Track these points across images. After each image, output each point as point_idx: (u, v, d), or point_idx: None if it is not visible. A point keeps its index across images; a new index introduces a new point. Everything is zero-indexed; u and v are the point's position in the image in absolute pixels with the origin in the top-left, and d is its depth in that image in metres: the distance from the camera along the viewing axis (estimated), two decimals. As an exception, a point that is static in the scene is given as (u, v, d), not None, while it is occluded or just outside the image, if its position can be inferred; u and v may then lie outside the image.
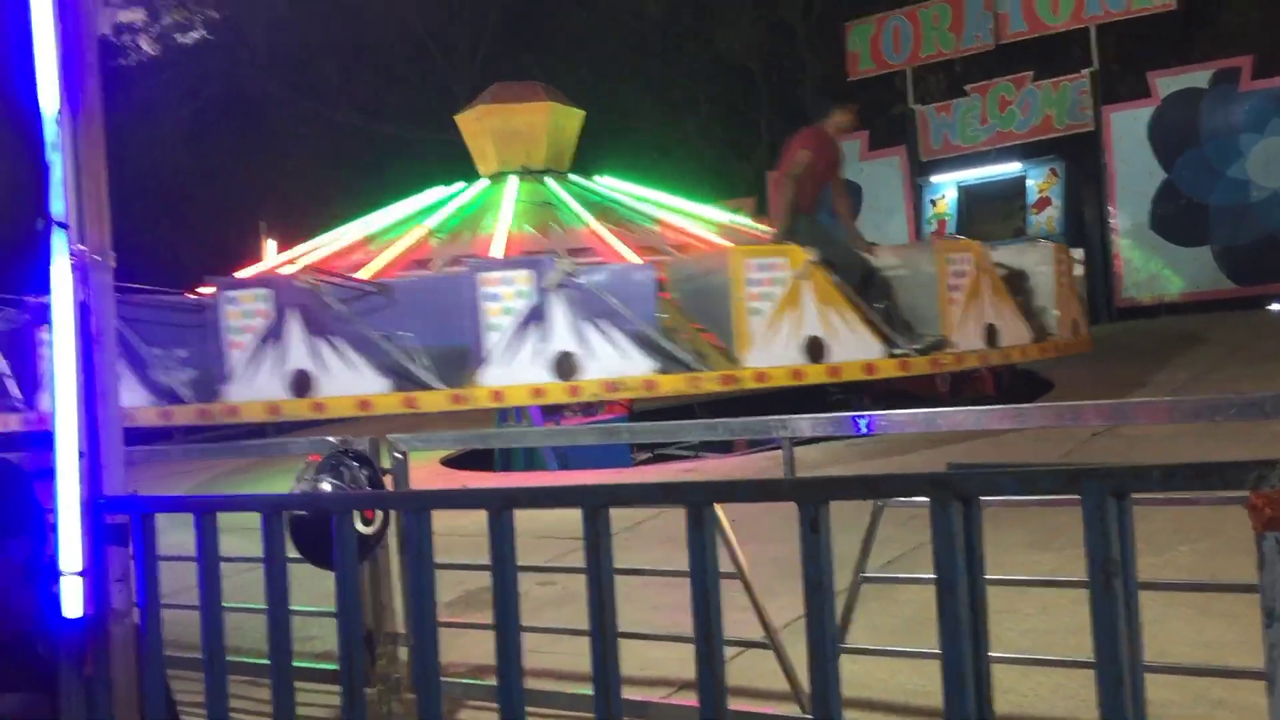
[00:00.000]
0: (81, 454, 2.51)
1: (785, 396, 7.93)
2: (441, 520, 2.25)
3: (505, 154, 10.74)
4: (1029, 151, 15.79)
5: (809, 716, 2.90)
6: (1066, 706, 3.18)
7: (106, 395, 2.54)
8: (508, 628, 2.07)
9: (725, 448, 9.13)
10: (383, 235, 10.22)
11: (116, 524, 2.52)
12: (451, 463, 9.55)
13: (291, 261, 10.14)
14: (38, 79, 2.55)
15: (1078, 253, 10.67)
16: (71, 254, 2.52)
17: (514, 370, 7.34)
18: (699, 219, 10.80)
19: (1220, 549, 4.26)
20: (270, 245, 12.97)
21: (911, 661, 3.38)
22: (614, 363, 7.39)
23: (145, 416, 7.69)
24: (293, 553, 2.60)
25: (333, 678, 3.25)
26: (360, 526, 3.11)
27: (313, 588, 3.16)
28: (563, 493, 2.08)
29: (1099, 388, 9.18)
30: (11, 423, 8.38)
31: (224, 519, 2.46)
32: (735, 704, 2.24)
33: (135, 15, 22.98)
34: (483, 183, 10.78)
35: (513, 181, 10.44)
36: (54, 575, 2.52)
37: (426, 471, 8.67)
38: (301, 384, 7.37)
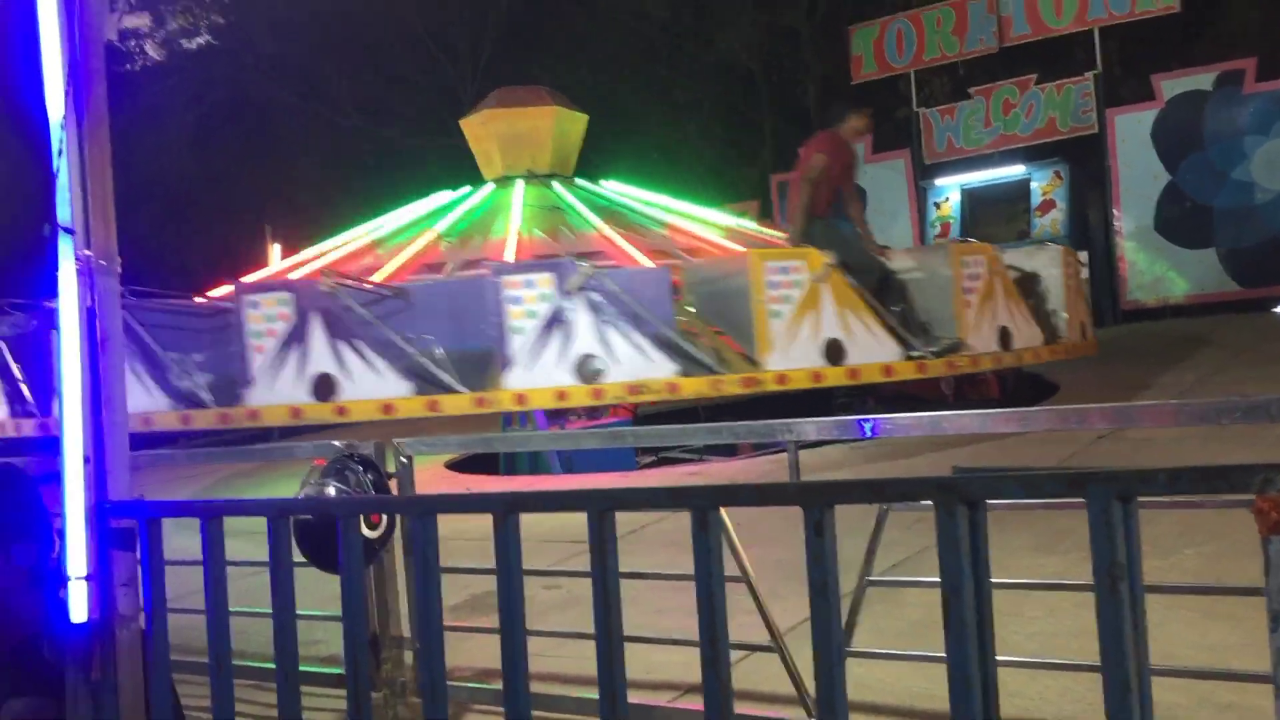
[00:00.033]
0: (87, 459, 2.51)
1: (790, 399, 7.92)
2: (447, 524, 2.25)
3: (510, 158, 10.75)
4: (1033, 154, 15.78)
5: (814, 720, 2.90)
6: (1073, 710, 3.17)
7: (112, 400, 2.55)
8: (513, 631, 2.07)
9: (730, 451, 9.13)
10: (391, 239, 10.22)
11: (122, 529, 2.52)
12: (456, 466, 9.55)
13: (298, 266, 10.13)
14: (44, 85, 2.56)
15: (1080, 255, 10.68)
16: (77, 259, 2.53)
17: (537, 373, 7.35)
18: (705, 222, 10.81)
19: (1226, 552, 4.25)
20: (275, 249, 13.00)
21: (917, 665, 3.37)
22: (636, 365, 7.40)
23: (165, 421, 7.68)
24: (298, 557, 2.61)
25: (338, 682, 3.25)
26: (365, 530, 3.11)
27: (318, 591, 3.16)
28: (568, 497, 2.09)
29: (1104, 390, 9.16)
30: (26, 428, 8.37)
31: (229, 523, 2.46)
32: (740, 708, 2.24)
33: (141, 21, 23.04)
34: (489, 187, 10.79)
35: (519, 185, 10.44)
36: (60, 580, 2.53)
37: (431, 475, 8.67)
38: (324, 387, 7.36)
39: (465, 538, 3.51)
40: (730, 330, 7.77)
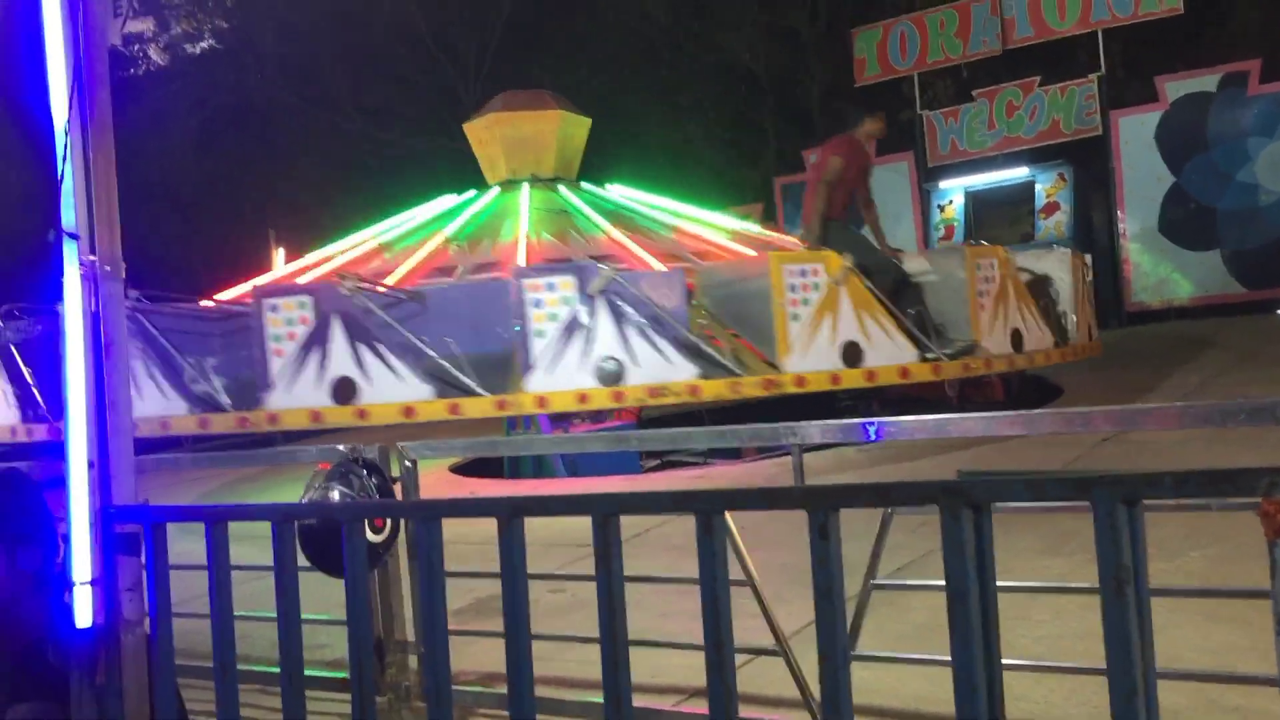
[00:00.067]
0: (92, 463, 2.52)
1: (793, 402, 7.93)
2: (451, 527, 2.25)
3: (515, 162, 10.76)
4: (1037, 156, 15.77)
5: (819, 724, 2.89)
6: (1079, 714, 3.17)
7: (117, 405, 2.55)
8: (518, 636, 2.07)
9: (734, 454, 9.12)
10: (399, 243, 10.22)
11: (127, 534, 2.53)
12: (460, 470, 9.56)
13: (307, 270, 10.12)
14: (49, 91, 2.56)
15: (1085, 258, 10.68)
16: (82, 264, 2.54)
17: (558, 376, 7.36)
18: (710, 226, 10.83)
19: (1231, 554, 4.24)
20: (279, 252, 13.01)
21: (922, 668, 3.37)
22: (658, 368, 7.41)
23: (183, 425, 7.67)
24: (302, 561, 2.61)
25: (343, 686, 3.26)
26: (370, 534, 3.11)
27: (322, 596, 3.16)
28: (572, 501, 2.09)
29: (1108, 393, 9.15)
30: (39, 434, 8.37)
31: (233, 527, 2.47)
32: (746, 711, 2.24)
33: (145, 25, 23.10)
34: (494, 190, 10.79)
35: (525, 189, 10.45)
36: (65, 585, 2.53)
37: (435, 479, 8.68)
38: (344, 391, 7.34)
39: (469, 541, 3.51)
40: (747, 333, 7.80)
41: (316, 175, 23.35)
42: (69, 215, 2.54)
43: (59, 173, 2.55)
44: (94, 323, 2.52)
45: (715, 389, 7.47)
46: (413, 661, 3.88)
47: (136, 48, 24.30)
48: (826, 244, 8.21)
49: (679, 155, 21.81)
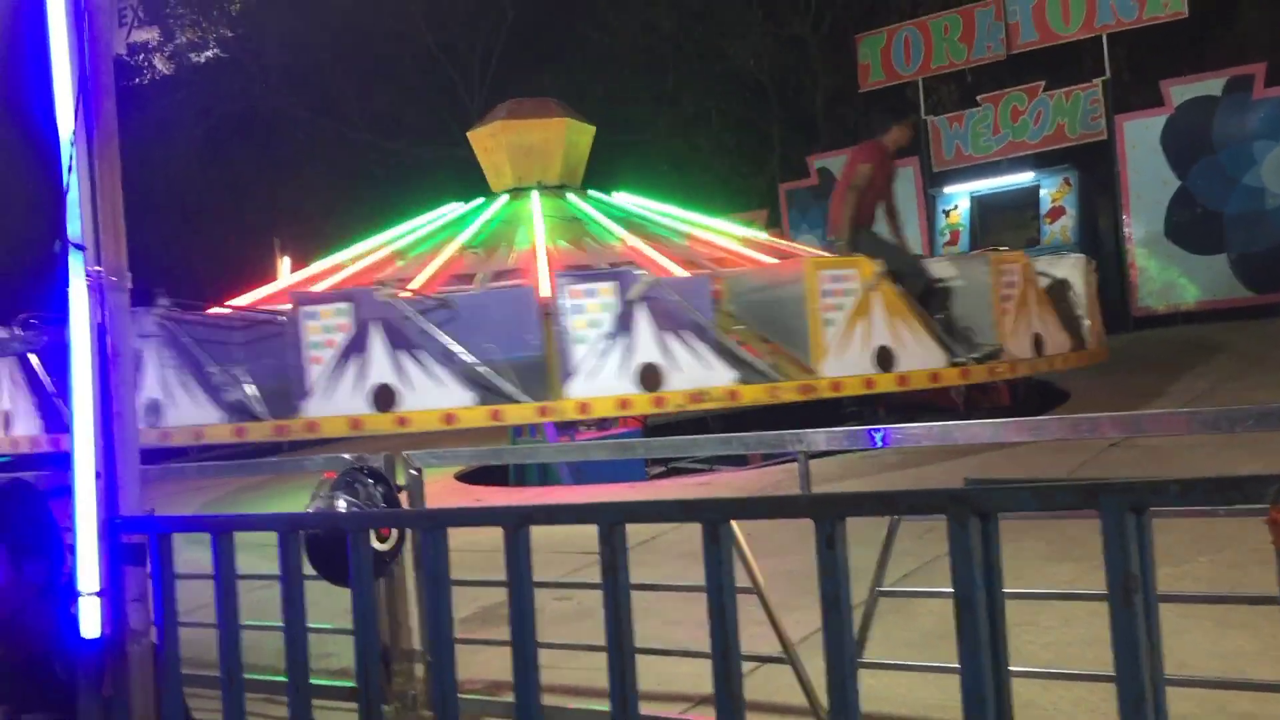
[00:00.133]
0: (98, 474, 2.52)
1: (799, 409, 7.95)
2: (457, 535, 2.25)
3: (521, 170, 10.77)
4: (1042, 161, 15.76)
5: (827, 732, 2.88)
6: (1087, 720, 3.16)
7: (123, 415, 2.55)
8: (525, 645, 2.07)
9: (740, 461, 9.12)
10: (412, 250, 10.22)
11: (134, 544, 2.53)
12: (466, 477, 9.55)
13: (316, 279, 10.12)
14: (54, 102, 2.57)
15: (1092, 262, 10.69)
16: (88, 275, 2.54)
17: (599, 382, 7.38)
18: (720, 232, 10.86)
19: (1240, 559, 4.23)
20: (284, 261, 13.02)
21: (930, 675, 3.36)
22: (697, 373, 7.45)
23: (218, 434, 7.65)
24: (308, 570, 2.60)
25: (350, 695, 3.25)
26: (376, 543, 3.11)
27: (329, 605, 3.16)
28: (579, 510, 2.09)
29: (1115, 398, 9.14)
30: (65, 444, 8.34)
31: (239, 535, 2.47)
32: (753, 719, 2.23)
33: (149, 35, 23.16)
34: (503, 198, 10.80)
35: (535, 197, 10.47)
36: (72, 595, 2.53)
37: (440, 487, 8.67)
38: (384, 398, 7.32)
39: (475, 549, 3.51)
40: (780, 338, 7.85)
41: (321, 184, 23.39)
42: (74, 226, 2.55)
43: (64, 183, 2.55)
44: (100, 333, 2.53)
45: (754, 394, 7.53)
46: (419, 670, 3.88)
47: (141, 57, 24.39)
48: (857, 250, 8.32)
49: (683, 162, 21.82)
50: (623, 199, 11.32)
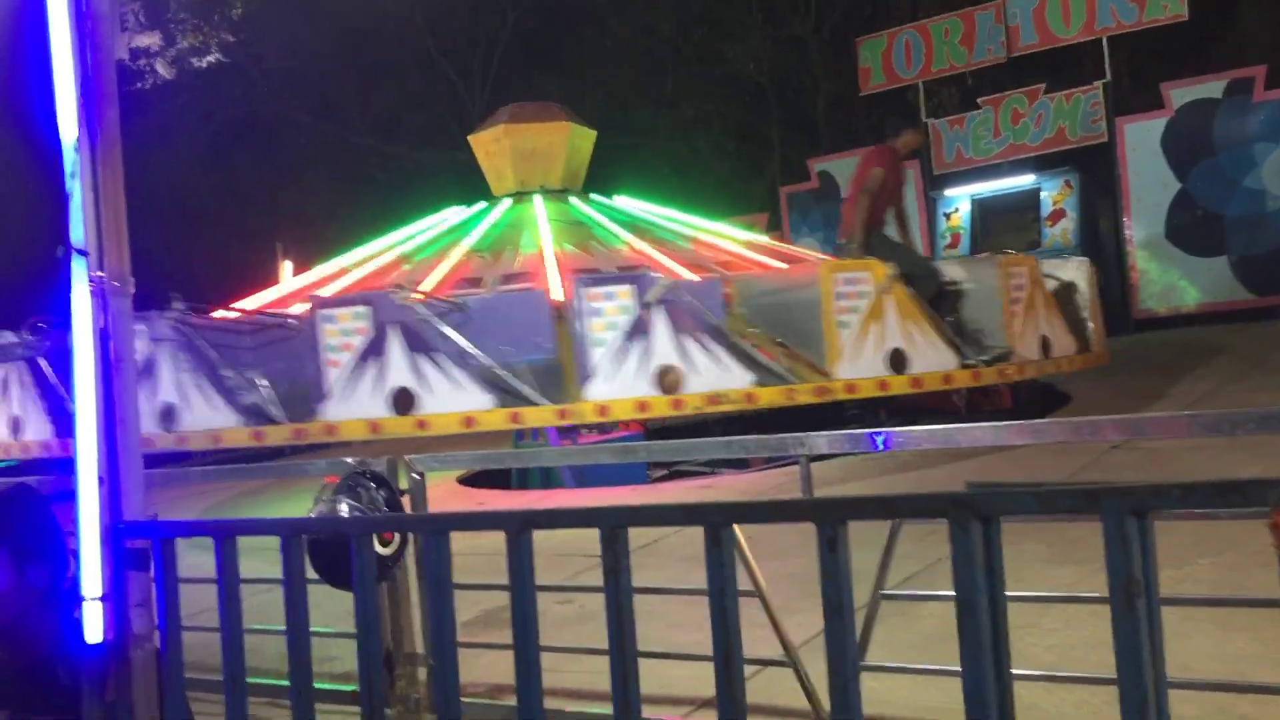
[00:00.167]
0: (101, 479, 2.52)
1: (800, 411, 7.97)
2: (459, 539, 2.25)
3: (523, 174, 10.77)
4: (1043, 164, 15.75)
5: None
6: (1089, 723, 3.16)
7: (126, 421, 2.56)
8: (527, 649, 2.07)
9: (742, 464, 9.11)
10: (418, 254, 10.22)
11: (137, 549, 2.53)
12: (468, 481, 9.55)
13: (322, 283, 10.11)
14: (57, 107, 2.57)
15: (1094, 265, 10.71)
16: (90, 281, 2.54)
17: (617, 385, 7.41)
18: (724, 236, 10.88)
19: (1242, 562, 4.23)
20: (286, 266, 13.04)
21: (932, 678, 3.36)
22: (714, 376, 7.50)
23: (235, 438, 7.63)
24: (310, 573, 2.61)
25: (353, 699, 3.25)
26: (378, 547, 3.12)
27: (331, 608, 3.16)
28: (581, 514, 2.09)
29: (1116, 400, 9.14)
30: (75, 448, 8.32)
31: (242, 539, 2.47)
32: (755, 724, 2.23)
33: (152, 40, 23.18)
34: (506, 202, 10.80)
35: (538, 201, 10.47)
36: (75, 601, 2.53)
37: (443, 491, 8.67)
38: (403, 401, 7.32)
39: (478, 553, 3.51)
40: (794, 341, 7.89)
41: (322, 188, 23.41)
42: (77, 231, 2.55)
43: (67, 189, 2.56)
44: (103, 339, 2.53)
45: (771, 396, 7.59)
46: (422, 674, 3.88)
47: (143, 62, 24.39)
48: (870, 253, 8.40)
49: (683, 165, 21.82)
50: (624, 203, 11.33)
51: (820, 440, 3.45)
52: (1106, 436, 4.94)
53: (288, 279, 11.90)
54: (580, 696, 3.72)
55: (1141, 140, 14.73)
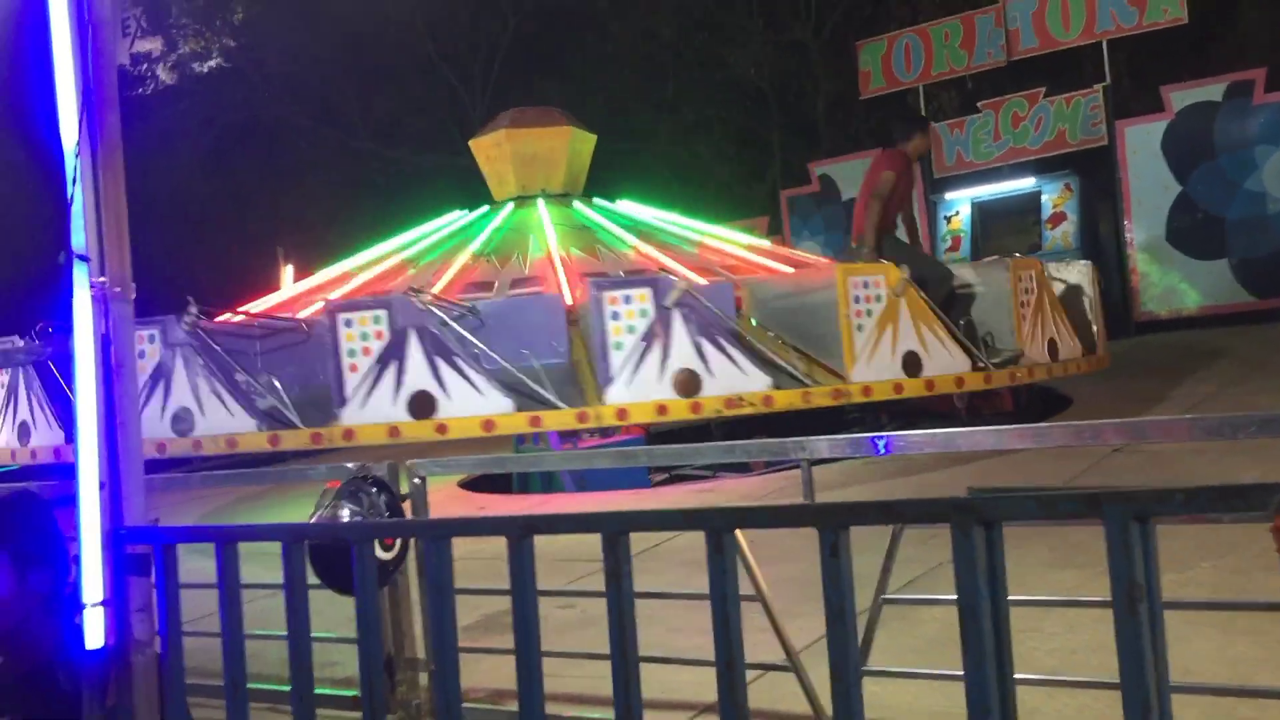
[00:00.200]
0: (102, 485, 2.52)
1: (801, 415, 7.97)
2: (460, 543, 2.25)
3: (525, 178, 10.77)
4: (1043, 167, 15.75)
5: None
6: (1092, 727, 3.15)
7: (127, 426, 2.56)
8: (528, 654, 2.07)
9: (743, 468, 9.12)
10: (423, 258, 10.21)
11: (138, 554, 2.53)
12: (469, 485, 9.55)
13: (326, 288, 10.10)
14: (58, 113, 2.57)
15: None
16: (92, 286, 2.55)
17: (636, 388, 7.39)
18: (727, 240, 10.89)
19: (1244, 566, 4.22)
20: (288, 270, 13.04)
21: (935, 682, 3.36)
22: (733, 379, 7.49)
23: (252, 442, 7.59)
24: (311, 578, 2.61)
25: (354, 704, 3.25)
26: (380, 552, 3.11)
27: (332, 614, 3.16)
28: (582, 519, 2.09)
29: (1118, 403, 9.13)
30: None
31: (243, 545, 2.47)
32: (757, 729, 2.23)
33: (153, 45, 23.21)
34: (509, 206, 10.80)
35: (542, 205, 10.47)
36: (76, 606, 2.53)
37: (444, 495, 8.67)
38: (423, 405, 7.29)
39: (479, 557, 3.51)
40: (808, 344, 7.91)
41: (323, 192, 23.42)
42: (79, 237, 2.55)
43: (68, 195, 2.56)
44: (104, 344, 2.53)
45: (788, 399, 7.58)
46: (423, 679, 3.88)
47: (145, 67, 24.43)
48: (882, 256, 8.42)
49: (684, 170, 21.82)
50: (627, 207, 11.33)
51: (821, 444, 3.45)
52: (1108, 440, 4.94)
53: (289, 283, 11.89)
54: (582, 701, 3.72)
55: (1142, 143, 14.73)
